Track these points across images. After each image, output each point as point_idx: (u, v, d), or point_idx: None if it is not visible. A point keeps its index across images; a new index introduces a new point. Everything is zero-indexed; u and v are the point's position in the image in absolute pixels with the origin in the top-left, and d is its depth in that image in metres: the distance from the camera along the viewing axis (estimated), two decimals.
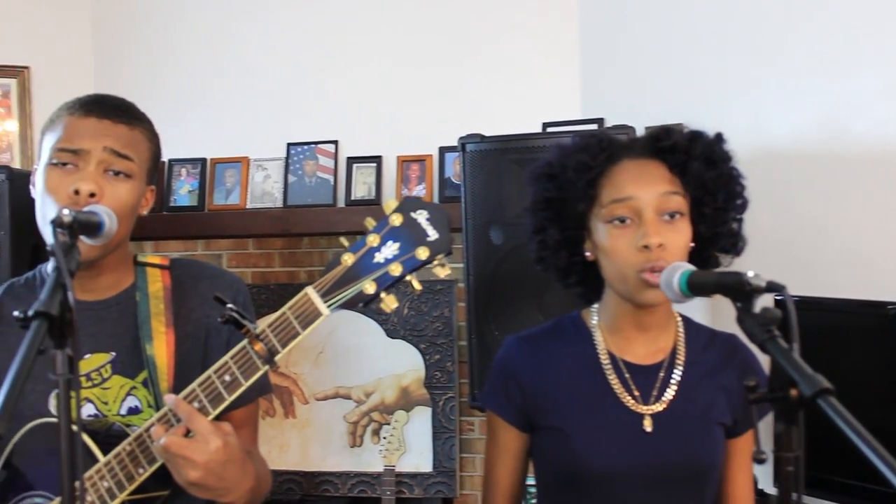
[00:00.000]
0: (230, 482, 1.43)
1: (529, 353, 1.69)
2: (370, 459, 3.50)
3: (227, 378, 1.45)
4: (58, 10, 4.02)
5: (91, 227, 1.37)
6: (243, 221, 3.63)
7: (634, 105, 3.28)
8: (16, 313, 1.21)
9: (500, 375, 1.71)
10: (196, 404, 1.44)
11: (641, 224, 1.53)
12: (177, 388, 1.64)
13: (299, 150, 3.69)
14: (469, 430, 3.60)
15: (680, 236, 1.54)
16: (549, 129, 3.35)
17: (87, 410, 1.62)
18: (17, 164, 3.83)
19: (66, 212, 1.31)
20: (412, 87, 3.65)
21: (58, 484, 1.54)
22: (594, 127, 3.35)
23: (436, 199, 3.54)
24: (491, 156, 2.65)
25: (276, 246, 3.74)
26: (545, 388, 1.66)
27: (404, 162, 3.60)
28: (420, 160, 3.59)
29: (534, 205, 1.68)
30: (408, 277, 1.42)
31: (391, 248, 1.39)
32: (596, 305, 1.70)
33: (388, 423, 3.46)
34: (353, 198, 3.61)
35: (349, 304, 1.41)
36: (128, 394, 1.65)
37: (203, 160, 3.78)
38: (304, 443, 3.55)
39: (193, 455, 1.37)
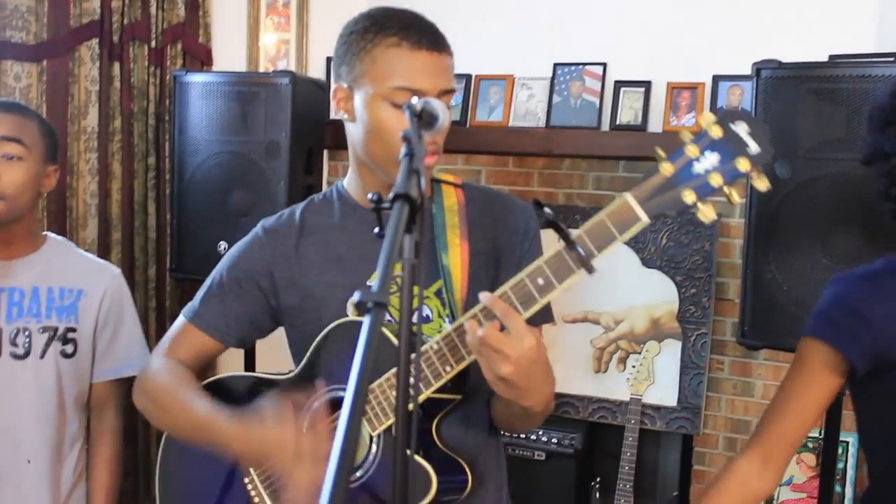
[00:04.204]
0: (534, 383, 1.45)
1: (872, 290, 1.62)
2: (613, 387, 3.48)
3: (540, 281, 1.46)
4: None
5: (432, 118, 1.40)
6: (505, 139, 3.64)
7: None
8: (370, 195, 1.25)
9: (842, 313, 1.64)
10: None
11: None
12: (469, 300, 1.68)
13: (566, 70, 3.64)
14: (718, 370, 3.51)
15: None
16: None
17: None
18: (292, 69, 4.01)
19: (415, 99, 1.35)
20: (687, 10, 3.51)
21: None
22: (890, 61, 3.11)
23: None
24: (787, 84, 2.49)
25: (536, 166, 3.73)
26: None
27: (674, 89, 3.48)
28: (692, 88, 3.46)
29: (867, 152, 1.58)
30: (726, 189, 1.39)
31: (711, 160, 1.38)
32: None
33: (636, 352, 3.42)
34: (617, 122, 3.53)
35: (667, 212, 1.41)
36: (420, 303, 1.70)
37: (468, 76, 3.80)
38: None
39: (508, 349, 1.39)
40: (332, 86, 1.68)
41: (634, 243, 3.43)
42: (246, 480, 1.72)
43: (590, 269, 1.43)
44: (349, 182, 1.80)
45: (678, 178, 1.39)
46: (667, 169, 1.39)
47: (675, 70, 3.50)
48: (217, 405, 1.66)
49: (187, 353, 1.80)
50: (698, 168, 1.38)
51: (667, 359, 3.39)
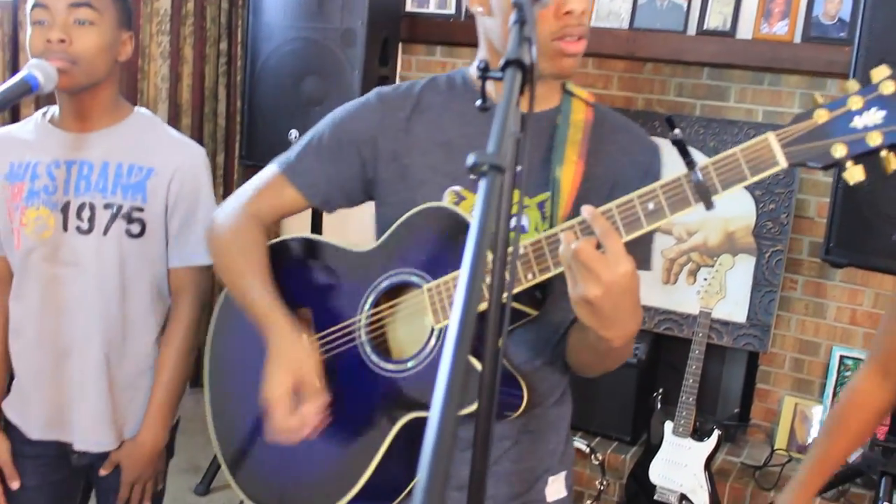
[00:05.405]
0: (620, 314, 1.33)
1: None
2: (681, 299, 3.43)
3: (650, 206, 1.34)
4: None
5: None
6: None
7: None
8: (477, 63, 1.18)
9: None
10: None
11: None
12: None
13: None
14: (791, 288, 3.42)
15: None
16: None
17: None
18: None
19: None
20: None
21: (436, 268, 1.58)
22: None
23: (797, 40, 3.26)
24: None
25: (617, 69, 3.61)
26: None
27: None
28: None
29: None
30: (883, 153, 1.25)
31: (874, 116, 1.24)
32: None
33: (707, 265, 3.35)
34: (705, 27, 3.39)
35: (809, 162, 1.28)
36: (520, 210, 1.63)
37: None
38: None
39: (601, 270, 1.28)
40: None
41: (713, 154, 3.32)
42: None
43: (708, 205, 1.32)
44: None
45: (831, 129, 1.26)
46: (821, 116, 1.26)
47: None
48: (271, 296, 1.65)
49: (270, 204, 1.75)
50: (857, 123, 1.24)
51: (739, 274, 3.31)
